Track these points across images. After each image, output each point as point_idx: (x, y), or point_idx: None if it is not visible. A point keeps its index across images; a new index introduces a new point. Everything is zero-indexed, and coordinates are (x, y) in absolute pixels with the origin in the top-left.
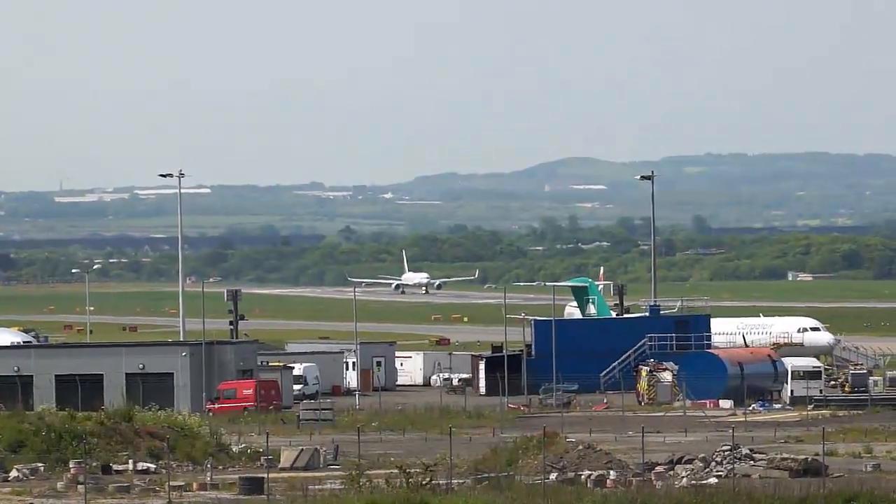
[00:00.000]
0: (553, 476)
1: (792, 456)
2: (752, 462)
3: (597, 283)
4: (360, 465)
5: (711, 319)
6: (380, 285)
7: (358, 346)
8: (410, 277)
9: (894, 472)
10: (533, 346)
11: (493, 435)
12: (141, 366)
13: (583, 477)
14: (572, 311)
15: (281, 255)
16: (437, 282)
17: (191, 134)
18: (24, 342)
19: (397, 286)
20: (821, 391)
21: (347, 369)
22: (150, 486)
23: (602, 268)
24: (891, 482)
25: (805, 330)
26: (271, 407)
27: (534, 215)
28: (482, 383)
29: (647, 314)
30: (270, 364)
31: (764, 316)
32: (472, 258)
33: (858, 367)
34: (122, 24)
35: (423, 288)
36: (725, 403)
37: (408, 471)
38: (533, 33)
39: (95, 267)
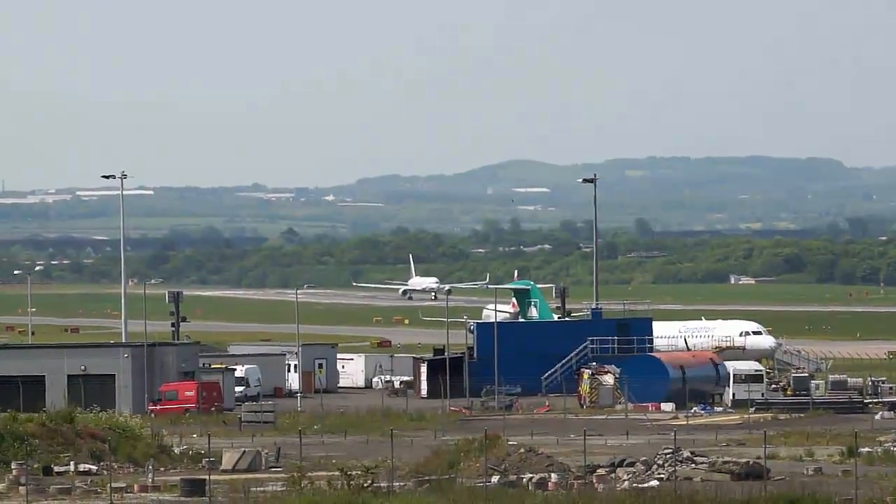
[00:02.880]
0: (495, 479)
1: (734, 459)
2: (693, 465)
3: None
4: (301, 468)
5: (653, 323)
6: (386, 290)
7: (300, 349)
8: (418, 282)
9: (836, 475)
10: (475, 349)
11: (434, 437)
12: (83, 367)
13: (524, 480)
14: (489, 313)
15: (223, 257)
16: (447, 286)
17: (133, 136)
18: None
19: (404, 291)
20: (762, 394)
21: (289, 371)
22: (92, 487)
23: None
24: (832, 485)
25: (747, 333)
26: (213, 409)
27: (476, 218)
28: (424, 386)
29: (588, 317)
30: (212, 366)
31: (706, 319)
32: (414, 260)
33: (800, 371)
34: (62, 26)
35: (433, 293)
36: (667, 406)
37: (349, 473)
38: (475, 35)
39: (37, 268)
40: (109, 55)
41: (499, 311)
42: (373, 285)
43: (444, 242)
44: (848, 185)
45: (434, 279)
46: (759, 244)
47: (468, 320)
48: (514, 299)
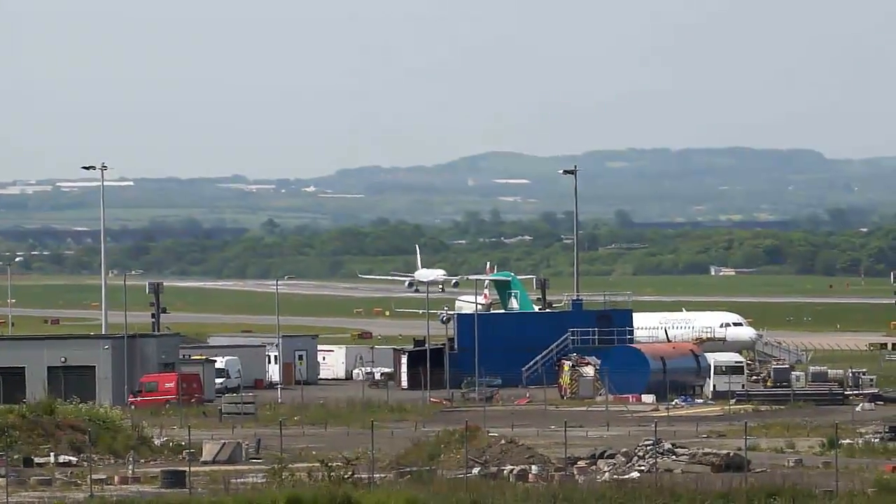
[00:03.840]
0: (475, 470)
1: (714, 451)
2: (674, 457)
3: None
4: (282, 459)
5: (634, 314)
6: (392, 282)
7: (280, 340)
8: (425, 274)
9: (816, 467)
10: (455, 341)
11: (415, 429)
12: (63, 359)
13: (505, 471)
14: (461, 304)
15: (203, 248)
16: (455, 279)
17: (114, 127)
18: None
19: (410, 283)
20: (743, 386)
21: (269, 363)
22: (72, 479)
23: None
24: (813, 477)
25: (727, 325)
26: (193, 400)
27: (457, 209)
28: (404, 377)
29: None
30: (192, 357)
31: (686, 311)
32: (394, 252)
33: (781, 363)
34: (42, 15)
35: (440, 286)
36: (648, 398)
37: (330, 465)
38: (455, 26)
39: (17, 259)
40: (90, 46)
41: (471, 303)
42: (379, 277)
43: (425, 234)
44: (828, 177)
45: (441, 271)
46: (740, 235)
47: (441, 312)
48: (486, 290)
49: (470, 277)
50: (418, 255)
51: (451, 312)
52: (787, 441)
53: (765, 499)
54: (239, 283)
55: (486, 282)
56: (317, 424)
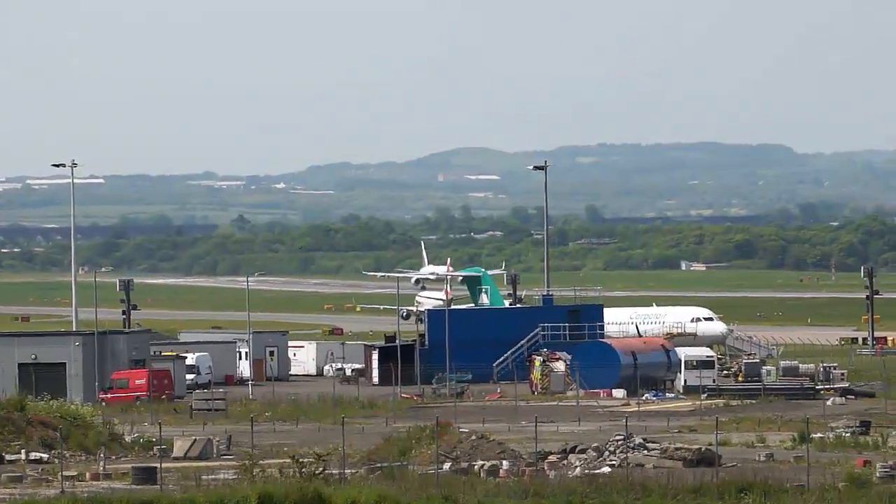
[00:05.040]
0: (446, 466)
1: (685, 445)
2: (645, 451)
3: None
4: (252, 455)
5: (605, 309)
6: (398, 279)
7: (251, 336)
8: (431, 270)
9: (787, 461)
10: (426, 336)
11: (386, 425)
12: (33, 356)
13: (476, 467)
14: (421, 299)
15: (174, 245)
16: (461, 275)
17: (83, 124)
18: None
19: (417, 280)
20: (714, 381)
21: (240, 359)
22: (43, 475)
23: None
24: (784, 472)
25: (698, 320)
26: (164, 396)
27: (427, 205)
28: (375, 373)
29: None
30: (163, 354)
31: (657, 306)
32: (365, 248)
33: (751, 357)
34: (9, 12)
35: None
36: (619, 393)
37: (301, 461)
38: (426, 24)
39: None
40: (60, 43)
41: (431, 299)
42: (382, 274)
43: (395, 230)
44: (799, 171)
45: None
46: (711, 230)
47: (402, 308)
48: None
49: (441, 274)
50: (424, 252)
51: (412, 309)
52: (758, 435)
53: (736, 493)
54: (209, 280)
55: (448, 277)
56: (288, 420)
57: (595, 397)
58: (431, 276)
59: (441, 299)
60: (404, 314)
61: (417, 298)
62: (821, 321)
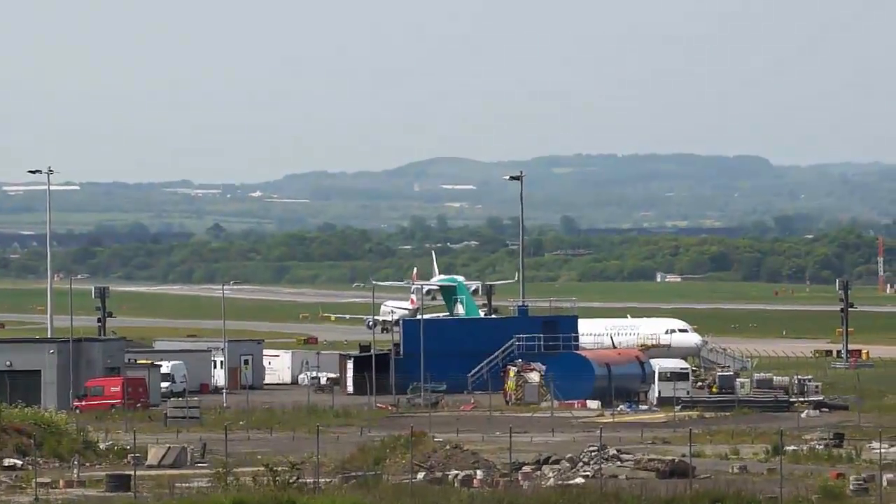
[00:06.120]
0: (420, 475)
1: (659, 457)
2: (619, 463)
3: (409, 283)
4: (227, 464)
5: (579, 320)
6: (407, 289)
7: (226, 345)
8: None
9: (761, 473)
10: (401, 346)
11: (360, 434)
12: (8, 363)
13: (450, 476)
14: (386, 308)
15: (149, 253)
16: (474, 285)
17: (60, 131)
18: None
19: (428, 290)
20: (688, 392)
21: (215, 367)
22: (17, 482)
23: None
24: (757, 483)
25: (673, 331)
26: (139, 404)
27: (403, 214)
28: (350, 382)
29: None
30: (138, 362)
31: (632, 317)
32: (341, 257)
33: (726, 369)
34: None
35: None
36: (593, 404)
37: (275, 469)
38: (399, 34)
39: None
40: (36, 50)
41: (397, 308)
42: (395, 283)
43: (371, 239)
44: (775, 184)
45: (461, 277)
46: (686, 242)
47: (367, 317)
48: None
49: (417, 284)
50: (434, 261)
51: (378, 318)
52: (731, 447)
53: None
54: (185, 288)
55: (413, 287)
56: (262, 429)
57: (569, 408)
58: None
59: (408, 308)
60: (370, 323)
61: (383, 308)
62: (795, 334)
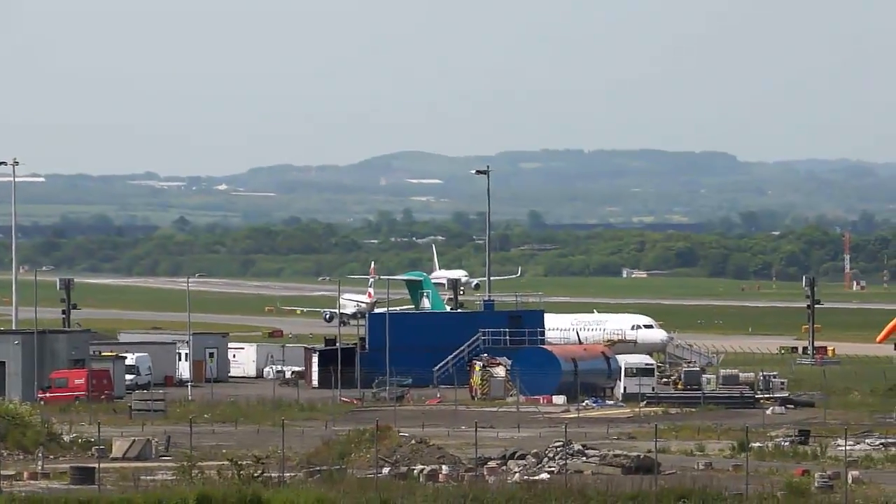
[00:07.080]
0: (385, 470)
1: (624, 452)
2: (584, 458)
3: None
4: (191, 457)
5: (545, 315)
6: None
7: (191, 337)
8: (443, 275)
9: (726, 470)
10: (367, 340)
11: (325, 428)
12: None
13: (415, 471)
14: (345, 302)
15: (114, 245)
16: (475, 281)
17: (24, 122)
18: None
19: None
20: (653, 388)
21: (180, 360)
22: None
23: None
24: (723, 480)
25: (639, 327)
26: (103, 397)
27: (369, 208)
28: (315, 376)
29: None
30: (103, 354)
31: (598, 312)
32: (306, 250)
33: (691, 365)
34: None
35: (461, 288)
36: (559, 399)
37: (240, 463)
38: (368, 26)
39: None
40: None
41: (354, 301)
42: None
43: (337, 233)
44: (741, 180)
45: (463, 272)
46: (652, 237)
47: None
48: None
49: (383, 277)
50: (435, 256)
51: (335, 311)
52: (697, 444)
53: (675, 501)
54: (150, 281)
55: (371, 280)
56: (227, 422)
57: (535, 403)
58: (443, 281)
59: (365, 302)
60: (327, 316)
61: (341, 300)
62: (761, 330)
